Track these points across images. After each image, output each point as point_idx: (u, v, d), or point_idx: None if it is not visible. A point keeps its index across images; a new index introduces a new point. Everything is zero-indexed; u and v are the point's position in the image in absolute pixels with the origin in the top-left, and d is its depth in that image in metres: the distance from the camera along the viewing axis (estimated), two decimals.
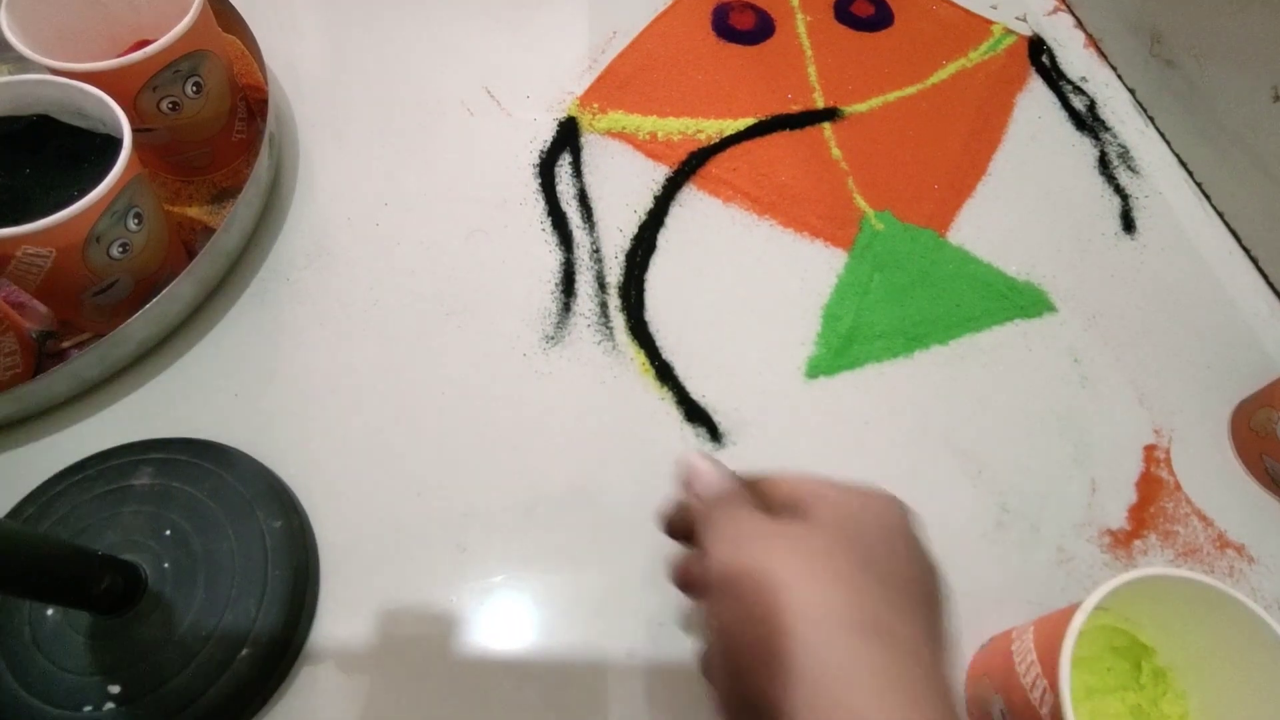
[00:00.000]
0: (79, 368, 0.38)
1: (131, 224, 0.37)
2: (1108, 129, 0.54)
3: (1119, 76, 0.57)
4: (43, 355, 0.41)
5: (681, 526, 0.29)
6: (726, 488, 0.28)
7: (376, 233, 0.47)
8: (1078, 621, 0.29)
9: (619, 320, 0.44)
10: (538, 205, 0.48)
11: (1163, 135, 0.54)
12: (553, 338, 0.44)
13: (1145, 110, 0.55)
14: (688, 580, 0.28)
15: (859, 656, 0.22)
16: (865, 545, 0.25)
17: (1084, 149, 0.53)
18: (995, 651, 0.34)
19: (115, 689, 0.31)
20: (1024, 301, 0.46)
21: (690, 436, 0.41)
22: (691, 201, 0.49)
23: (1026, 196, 0.51)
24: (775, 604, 0.23)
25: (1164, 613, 0.33)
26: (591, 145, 0.51)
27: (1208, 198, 0.52)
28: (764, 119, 0.53)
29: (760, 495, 0.28)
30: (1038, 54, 0.58)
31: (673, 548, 0.29)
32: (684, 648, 0.36)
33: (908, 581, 0.25)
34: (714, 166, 0.50)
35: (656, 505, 0.39)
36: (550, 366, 0.43)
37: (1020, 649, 0.31)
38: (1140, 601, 0.32)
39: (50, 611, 0.33)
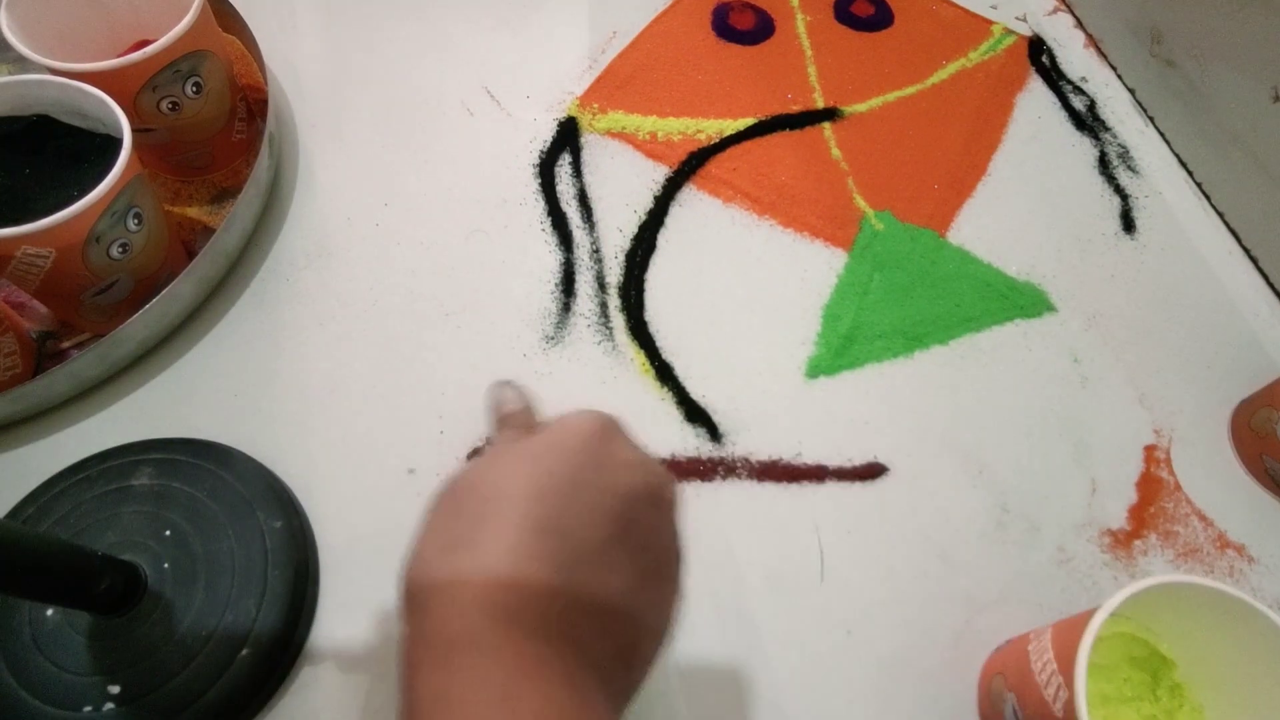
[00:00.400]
0: (79, 368, 0.38)
1: (131, 224, 0.37)
2: (1108, 129, 0.54)
3: (1119, 76, 0.57)
4: (43, 355, 0.41)
5: None
6: (512, 410, 0.31)
7: (376, 233, 0.47)
8: (1097, 621, 0.29)
9: (619, 320, 0.44)
10: (538, 205, 0.48)
11: (1163, 135, 0.54)
12: (553, 338, 0.44)
13: (1145, 110, 0.55)
14: None
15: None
16: (535, 456, 0.25)
17: (1084, 149, 0.53)
18: (1012, 651, 0.34)
19: (115, 689, 0.31)
20: (1024, 301, 0.46)
21: (690, 436, 0.41)
22: (691, 201, 0.49)
23: (1026, 196, 0.51)
24: (482, 511, 0.24)
25: (1185, 622, 0.33)
26: (591, 145, 0.51)
27: (1208, 198, 0.52)
28: (764, 119, 0.53)
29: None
30: (1038, 54, 0.58)
31: None
32: (684, 648, 0.36)
33: (572, 479, 0.24)
34: (714, 166, 0.50)
35: None
36: (550, 366, 0.43)
37: (1037, 649, 0.31)
38: (1161, 609, 0.32)
39: (50, 611, 0.33)
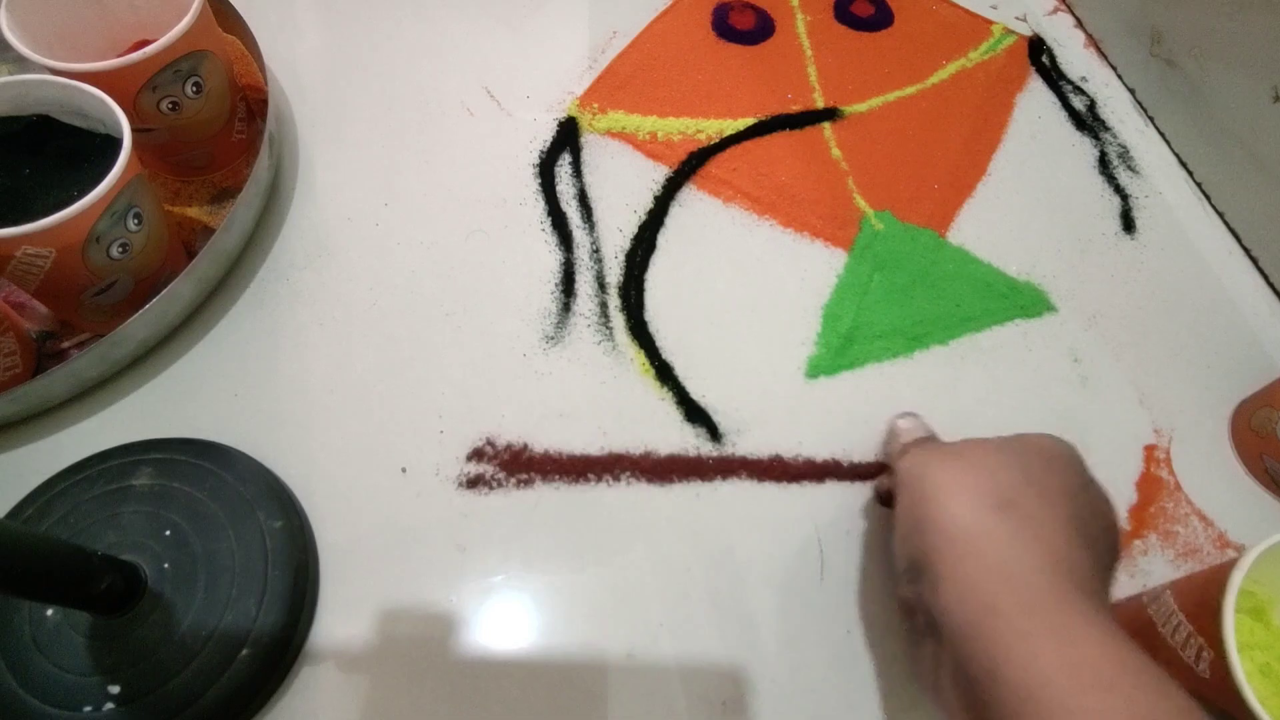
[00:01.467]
0: (79, 368, 0.38)
1: (131, 224, 0.37)
2: (1108, 129, 0.54)
3: (1119, 76, 0.57)
4: (43, 355, 0.41)
5: (888, 490, 0.37)
6: (918, 435, 0.37)
7: (376, 233, 0.47)
8: (1235, 581, 0.29)
9: (619, 320, 0.44)
10: (538, 205, 0.48)
11: (1163, 135, 0.54)
12: (553, 338, 0.44)
13: (1145, 110, 0.55)
14: (883, 494, 0.38)
15: (983, 519, 0.28)
16: (1017, 455, 0.30)
17: (1084, 149, 0.53)
18: (1125, 617, 0.35)
19: (115, 689, 0.31)
20: (1024, 301, 0.46)
21: (690, 436, 0.41)
22: (691, 201, 0.49)
23: (1026, 196, 0.51)
24: (925, 486, 0.30)
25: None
26: (591, 145, 0.51)
27: (1208, 198, 0.52)
28: (764, 119, 0.53)
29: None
30: (1038, 54, 0.58)
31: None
32: (684, 648, 0.36)
33: (1055, 488, 0.29)
34: (714, 166, 0.50)
35: (657, 504, 0.39)
36: (550, 366, 0.43)
37: (1160, 612, 0.32)
38: (1265, 568, 0.33)
39: (50, 611, 0.33)
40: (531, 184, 0.49)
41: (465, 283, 0.45)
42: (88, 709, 0.31)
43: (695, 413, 0.42)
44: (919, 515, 0.29)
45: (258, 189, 0.44)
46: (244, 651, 0.33)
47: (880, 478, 0.39)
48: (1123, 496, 0.41)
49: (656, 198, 0.49)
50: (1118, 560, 0.30)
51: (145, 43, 0.40)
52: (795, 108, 0.54)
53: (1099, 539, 0.29)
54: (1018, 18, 0.60)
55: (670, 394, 0.42)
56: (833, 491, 0.40)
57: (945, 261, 0.48)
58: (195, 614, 0.33)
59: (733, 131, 0.52)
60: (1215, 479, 0.42)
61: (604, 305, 0.45)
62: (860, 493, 0.40)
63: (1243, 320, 0.47)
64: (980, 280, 0.47)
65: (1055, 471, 0.30)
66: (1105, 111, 0.55)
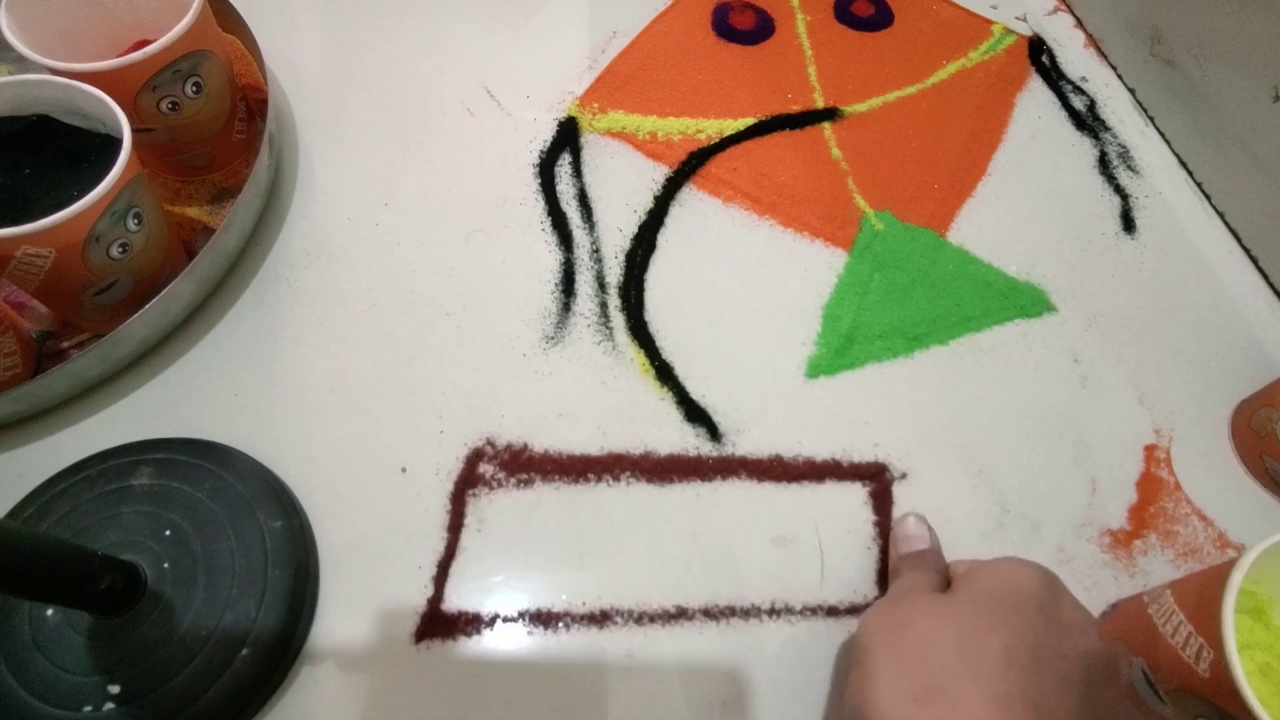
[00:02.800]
0: (79, 368, 0.38)
1: (131, 224, 0.37)
2: (1108, 129, 0.54)
3: (1119, 76, 0.57)
4: (43, 355, 0.41)
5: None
6: (918, 548, 0.35)
7: (376, 233, 0.47)
8: (1235, 581, 0.29)
9: (619, 320, 0.44)
10: (538, 205, 0.48)
11: (1163, 135, 0.54)
12: (553, 338, 0.44)
13: (1145, 110, 0.55)
14: None
15: (903, 715, 0.26)
16: (966, 616, 0.28)
17: (1084, 149, 0.53)
18: (1126, 616, 0.34)
19: (115, 689, 0.31)
20: (1024, 301, 0.46)
21: (690, 436, 0.41)
22: (691, 201, 0.49)
23: (1026, 196, 0.51)
24: (866, 669, 0.28)
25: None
26: (591, 145, 0.51)
27: (1208, 198, 0.52)
28: (764, 119, 0.53)
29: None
30: (1038, 54, 0.58)
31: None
32: (684, 648, 0.36)
33: (995, 655, 0.27)
34: (714, 166, 0.50)
35: (657, 504, 0.39)
36: (550, 366, 0.43)
37: (1161, 611, 0.32)
38: (1266, 568, 0.33)
39: (50, 611, 0.33)
40: (531, 184, 0.49)
41: (465, 283, 0.45)
42: (88, 709, 0.31)
43: (695, 413, 0.42)
44: (856, 702, 0.28)
45: (258, 189, 0.44)
46: (244, 651, 0.33)
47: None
48: (1123, 496, 0.41)
49: (656, 198, 0.49)
50: (1107, 678, 0.28)
51: (145, 43, 0.40)
52: (795, 108, 0.54)
53: (1062, 691, 0.26)
54: (1018, 17, 0.60)
55: (670, 394, 0.42)
56: (833, 491, 0.40)
57: (945, 261, 0.48)
58: (195, 614, 0.33)
59: (733, 131, 0.52)
60: (1215, 479, 0.42)
61: (604, 305, 0.45)
62: (860, 493, 0.40)
63: (1243, 320, 0.47)
64: (980, 280, 0.47)
65: (1004, 628, 0.27)
66: (1105, 111, 0.55)
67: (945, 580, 0.33)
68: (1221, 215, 0.51)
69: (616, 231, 0.47)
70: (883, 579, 0.38)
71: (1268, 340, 0.46)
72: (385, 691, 0.34)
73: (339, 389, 0.41)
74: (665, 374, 0.43)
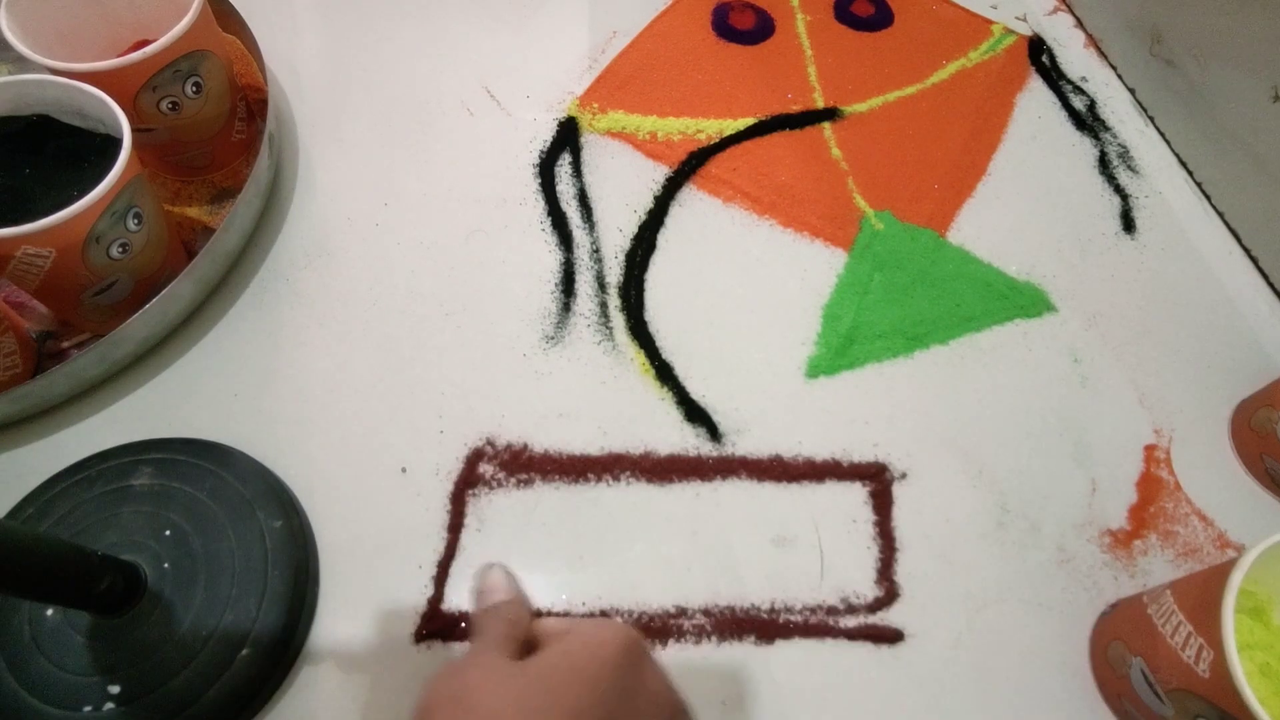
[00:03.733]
0: (79, 368, 0.38)
1: (131, 224, 0.37)
2: (1108, 129, 0.54)
3: (1119, 76, 0.57)
4: (43, 355, 0.41)
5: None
6: (502, 600, 0.30)
7: (376, 233, 0.47)
8: (1235, 581, 0.29)
9: (619, 320, 0.44)
10: (538, 205, 0.48)
11: (1163, 135, 0.54)
12: (553, 338, 0.44)
13: (1145, 110, 0.55)
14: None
15: None
16: (562, 686, 0.25)
17: (1084, 149, 0.53)
18: (1126, 616, 0.35)
19: (115, 689, 0.31)
20: (1024, 301, 0.46)
21: (690, 436, 0.41)
22: (691, 201, 0.49)
23: (1026, 196, 0.51)
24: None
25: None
26: (591, 145, 0.51)
27: (1208, 198, 0.52)
28: (764, 119, 0.53)
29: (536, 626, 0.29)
30: (1038, 54, 0.58)
31: None
32: (684, 648, 0.36)
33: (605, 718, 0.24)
34: (714, 166, 0.50)
35: (657, 504, 0.39)
36: (550, 366, 0.43)
37: (1161, 612, 0.32)
38: (1266, 567, 0.33)
39: (50, 611, 0.33)
40: (531, 184, 0.49)
41: (465, 283, 0.45)
42: (88, 709, 0.31)
43: (695, 413, 0.42)
44: None
45: (258, 189, 0.44)
46: (244, 651, 0.33)
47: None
48: (1123, 496, 0.41)
49: (656, 198, 0.49)
50: None
51: (145, 43, 0.40)
52: (795, 108, 0.54)
53: None
54: (1018, 17, 0.60)
55: (670, 394, 0.42)
56: (833, 491, 0.40)
57: (945, 261, 0.48)
58: (195, 614, 0.33)
59: (733, 131, 0.52)
60: (1215, 479, 0.42)
61: (604, 305, 0.45)
62: (860, 492, 0.40)
63: (1243, 320, 0.47)
64: (980, 280, 0.47)
65: (573, 703, 0.24)
66: (1105, 111, 0.55)
67: (525, 635, 0.29)
68: (1221, 215, 0.51)
69: (616, 231, 0.47)
70: (883, 579, 0.38)
71: (1268, 340, 0.46)
72: (385, 691, 0.34)
73: (339, 389, 0.41)
74: (665, 374, 0.43)
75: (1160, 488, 0.41)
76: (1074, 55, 0.58)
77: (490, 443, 0.40)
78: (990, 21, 0.60)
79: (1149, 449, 0.42)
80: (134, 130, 0.37)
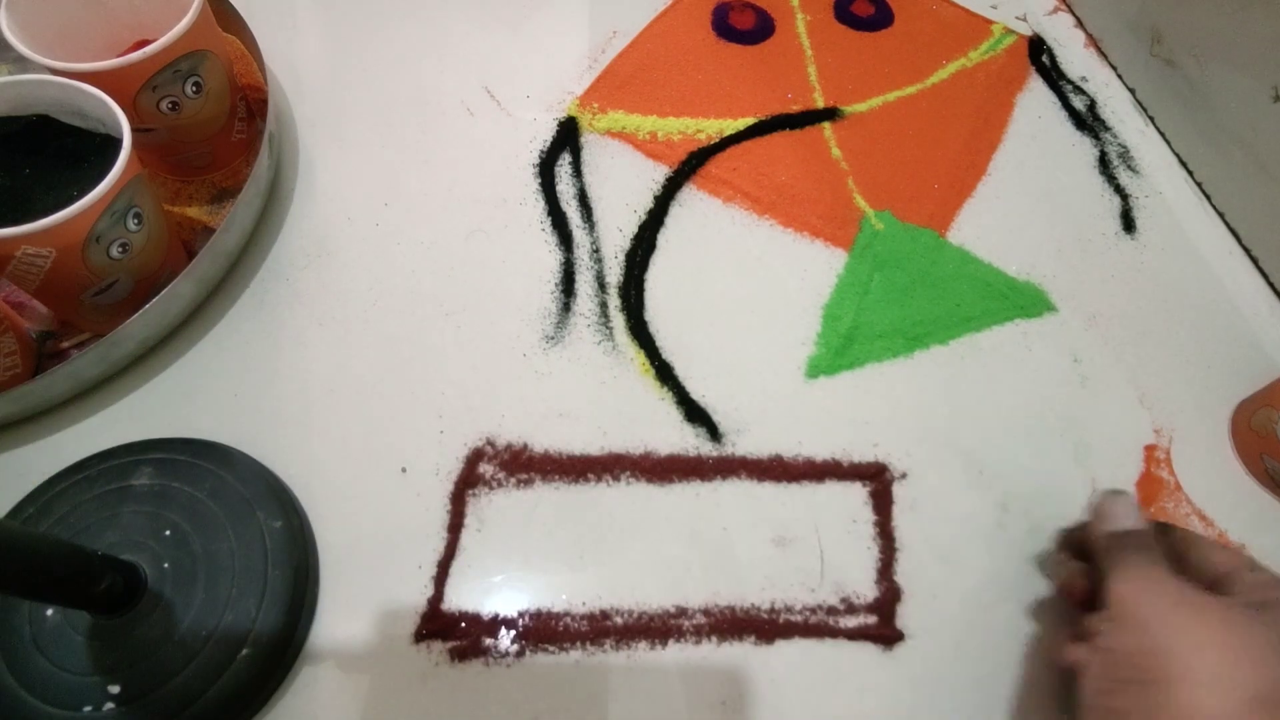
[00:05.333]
0: (79, 368, 0.38)
1: (131, 224, 0.37)
2: (1108, 129, 0.54)
3: (1119, 76, 0.57)
4: (43, 355, 0.41)
5: (1077, 543, 0.35)
6: (1133, 527, 0.32)
7: (376, 233, 0.47)
8: None
9: (619, 320, 0.44)
10: (538, 205, 0.48)
11: (1163, 135, 0.54)
12: (553, 338, 0.44)
13: (1145, 110, 0.55)
14: (1072, 592, 0.34)
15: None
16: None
17: (1084, 149, 0.53)
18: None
19: (115, 689, 0.31)
20: (1024, 301, 0.46)
21: (690, 436, 0.41)
22: (691, 201, 0.49)
23: (1026, 196, 0.51)
24: (1169, 672, 0.25)
25: None
26: (591, 145, 0.51)
27: (1208, 198, 0.52)
28: (764, 119, 0.53)
29: (1172, 546, 0.32)
30: (1038, 54, 0.58)
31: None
32: (684, 648, 0.36)
33: None
34: (714, 166, 0.50)
35: (657, 504, 0.39)
36: (550, 366, 0.43)
37: None
38: None
39: (50, 611, 0.33)
40: (531, 184, 0.49)
41: (465, 283, 0.45)
42: (88, 709, 0.31)
43: (695, 413, 0.42)
44: (1151, 704, 0.25)
45: (258, 189, 0.44)
46: (244, 651, 0.33)
47: (1072, 572, 0.35)
48: None
49: (656, 197, 0.49)
50: None
51: (145, 43, 0.40)
52: (795, 107, 0.54)
53: None
54: (1018, 17, 0.60)
55: (670, 394, 0.42)
56: (833, 491, 0.40)
57: (945, 261, 0.48)
58: (195, 614, 0.33)
59: (733, 131, 0.52)
60: (1215, 479, 0.42)
61: (604, 305, 0.45)
62: (860, 493, 0.40)
63: (1243, 320, 0.47)
64: (980, 280, 0.47)
65: None
66: (1105, 111, 0.55)
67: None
68: (1221, 215, 0.51)
69: (616, 231, 0.47)
70: (883, 579, 0.38)
71: (1268, 340, 0.46)
72: (385, 691, 0.34)
73: (339, 389, 0.41)
74: (665, 374, 0.43)
75: (1160, 488, 0.41)
76: (1074, 55, 0.58)
77: (490, 443, 0.40)
78: (990, 21, 0.60)
79: (1149, 449, 0.42)
80: (134, 130, 0.37)
